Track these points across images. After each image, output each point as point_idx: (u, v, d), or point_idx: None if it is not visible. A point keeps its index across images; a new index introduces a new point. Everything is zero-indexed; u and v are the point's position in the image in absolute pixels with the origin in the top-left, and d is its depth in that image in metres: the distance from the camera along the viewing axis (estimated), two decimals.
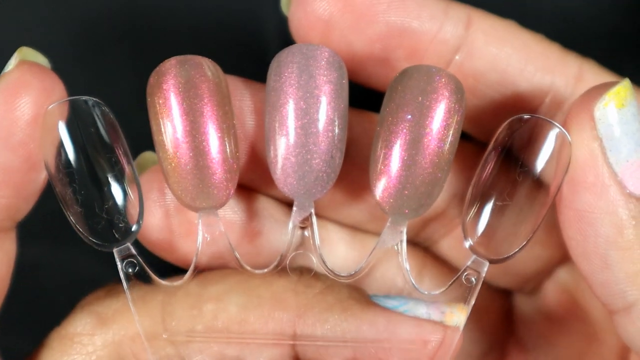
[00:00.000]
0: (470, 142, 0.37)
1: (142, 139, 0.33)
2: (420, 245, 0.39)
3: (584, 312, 0.38)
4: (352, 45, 0.34)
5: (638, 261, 0.31)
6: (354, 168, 0.35)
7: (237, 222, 0.35)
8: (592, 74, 0.35)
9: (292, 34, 0.34)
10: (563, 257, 0.38)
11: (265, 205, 0.36)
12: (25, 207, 0.33)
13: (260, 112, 0.34)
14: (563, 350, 0.39)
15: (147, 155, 0.35)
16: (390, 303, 0.33)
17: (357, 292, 0.34)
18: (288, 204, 0.34)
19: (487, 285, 0.39)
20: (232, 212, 0.35)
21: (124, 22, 0.44)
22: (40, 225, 0.36)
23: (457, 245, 0.38)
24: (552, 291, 0.39)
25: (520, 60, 0.34)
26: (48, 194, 0.33)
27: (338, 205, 0.36)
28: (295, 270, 0.34)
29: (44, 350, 0.33)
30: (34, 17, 0.44)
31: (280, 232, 0.35)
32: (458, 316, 0.33)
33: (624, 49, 0.44)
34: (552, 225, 0.34)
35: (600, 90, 0.31)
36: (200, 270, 0.34)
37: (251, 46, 0.44)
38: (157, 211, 0.34)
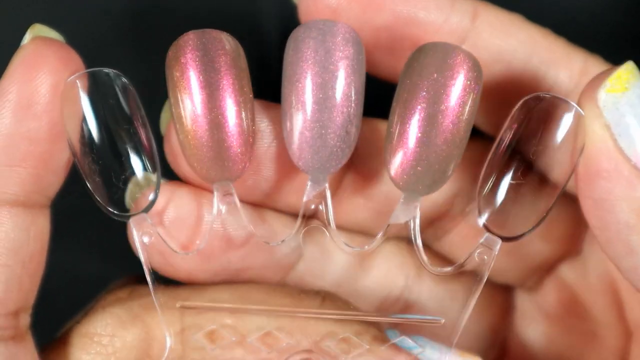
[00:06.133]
0: (473, 138, 0.37)
1: None
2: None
3: (585, 310, 0.38)
4: (359, 33, 0.34)
5: None
6: (358, 176, 0.35)
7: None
8: (597, 69, 0.35)
9: (300, 21, 0.34)
10: (565, 253, 0.38)
11: (272, 219, 0.36)
12: (55, 180, 0.32)
13: (280, 135, 0.34)
14: (563, 349, 0.39)
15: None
16: (407, 343, 0.33)
17: (374, 329, 0.34)
18: (296, 216, 0.34)
19: (488, 282, 0.39)
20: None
21: (122, 17, 0.44)
22: None
23: (459, 242, 0.38)
24: (553, 288, 0.39)
25: (525, 53, 0.35)
26: None
27: (343, 213, 0.36)
28: (318, 295, 0.34)
29: (63, 346, 0.33)
30: (33, 17, 0.44)
31: (287, 245, 0.35)
32: None
33: (625, 46, 0.45)
34: (555, 220, 0.34)
35: (601, 76, 0.31)
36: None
37: (249, 31, 0.44)
38: (158, 230, 0.34)
